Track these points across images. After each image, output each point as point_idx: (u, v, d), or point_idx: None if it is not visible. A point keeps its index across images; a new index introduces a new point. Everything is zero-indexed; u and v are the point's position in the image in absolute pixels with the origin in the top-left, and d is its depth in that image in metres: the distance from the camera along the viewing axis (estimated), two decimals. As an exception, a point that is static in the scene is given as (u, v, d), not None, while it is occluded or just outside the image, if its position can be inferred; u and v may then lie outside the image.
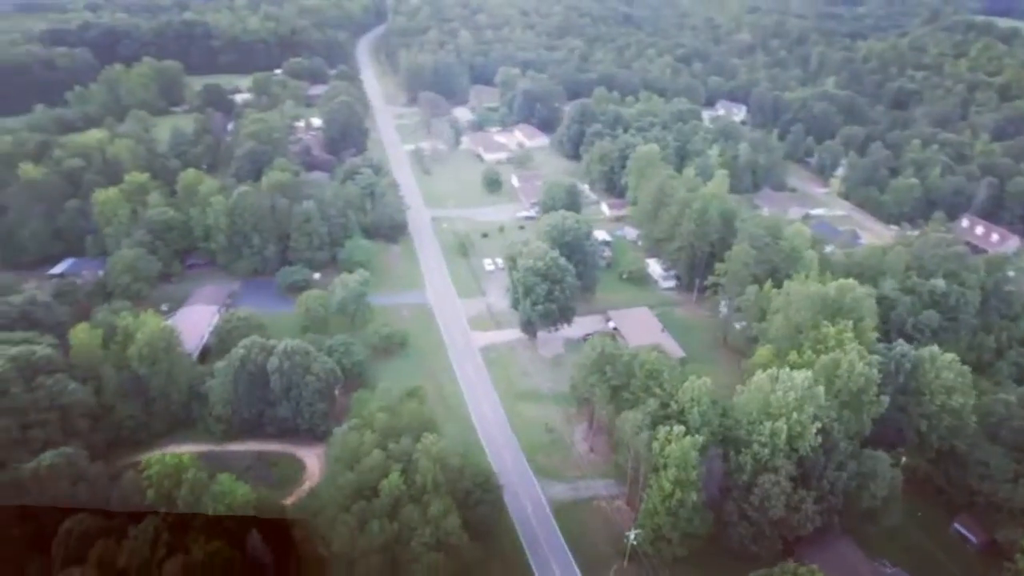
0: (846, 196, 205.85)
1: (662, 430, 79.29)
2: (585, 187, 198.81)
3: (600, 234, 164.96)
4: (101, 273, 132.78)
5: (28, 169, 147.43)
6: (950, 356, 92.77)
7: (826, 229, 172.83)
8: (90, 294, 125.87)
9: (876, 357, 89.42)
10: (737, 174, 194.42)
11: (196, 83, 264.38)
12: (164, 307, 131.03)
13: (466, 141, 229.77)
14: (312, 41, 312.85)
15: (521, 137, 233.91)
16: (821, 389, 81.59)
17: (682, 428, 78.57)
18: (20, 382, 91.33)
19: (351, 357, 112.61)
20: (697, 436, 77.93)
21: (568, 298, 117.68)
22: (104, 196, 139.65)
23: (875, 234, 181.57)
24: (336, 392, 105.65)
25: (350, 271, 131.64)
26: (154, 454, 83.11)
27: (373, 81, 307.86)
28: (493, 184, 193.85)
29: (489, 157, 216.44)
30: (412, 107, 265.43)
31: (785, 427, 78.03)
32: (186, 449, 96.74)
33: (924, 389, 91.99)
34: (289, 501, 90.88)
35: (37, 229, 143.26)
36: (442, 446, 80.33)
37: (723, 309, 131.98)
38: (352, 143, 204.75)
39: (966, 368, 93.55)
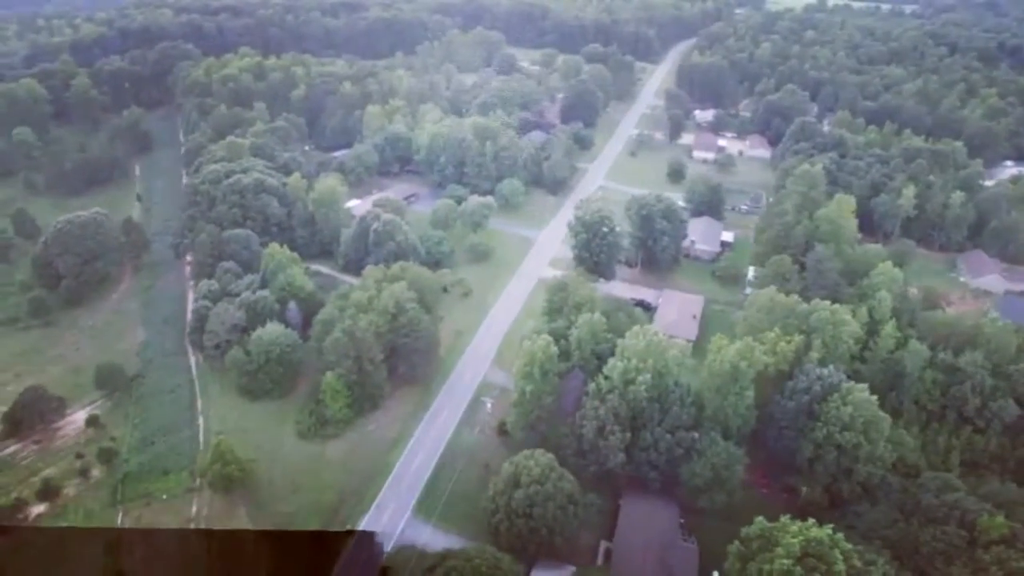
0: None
1: (538, 336, 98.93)
2: (768, 199, 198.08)
3: (727, 235, 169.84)
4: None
5: (345, 86, 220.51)
6: (866, 396, 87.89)
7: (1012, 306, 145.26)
8: (333, 168, 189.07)
9: (767, 359, 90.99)
10: (943, 226, 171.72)
11: (519, 54, 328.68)
12: (374, 191, 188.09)
13: (689, 138, 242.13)
14: (624, 33, 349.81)
15: (745, 145, 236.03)
16: (673, 351, 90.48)
17: (548, 338, 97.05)
18: (252, 194, 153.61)
19: (439, 247, 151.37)
20: (554, 348, 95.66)
21: (602, 252, 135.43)
22: (371, 110, 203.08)
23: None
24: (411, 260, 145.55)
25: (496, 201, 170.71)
26: (275, 246, 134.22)
27: (661, 74, 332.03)
28: (676, 175, 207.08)
29: (697, 155, 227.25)
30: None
31: (621, 366, 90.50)
32: (318, 267, 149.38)
33: (822, 416, 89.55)
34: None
35: (335, 126, 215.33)
36: (408, 295, 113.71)
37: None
38: (580, 117, 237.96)
39: (883, 415, 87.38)
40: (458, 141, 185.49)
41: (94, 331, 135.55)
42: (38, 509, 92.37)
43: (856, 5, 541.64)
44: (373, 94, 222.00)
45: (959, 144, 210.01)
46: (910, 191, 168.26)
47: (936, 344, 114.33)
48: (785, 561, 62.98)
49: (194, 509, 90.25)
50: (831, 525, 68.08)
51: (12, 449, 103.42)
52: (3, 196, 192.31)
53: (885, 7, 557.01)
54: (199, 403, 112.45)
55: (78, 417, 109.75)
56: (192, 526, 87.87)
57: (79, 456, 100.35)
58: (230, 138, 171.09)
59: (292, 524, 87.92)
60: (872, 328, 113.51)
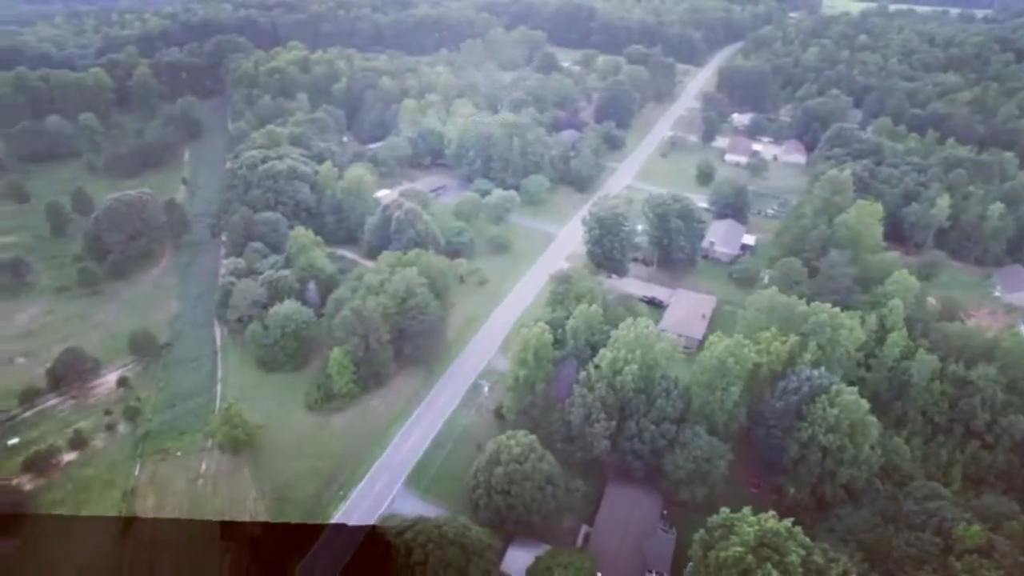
0: None
1: (534, 324, 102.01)
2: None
3: (749, 238, 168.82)
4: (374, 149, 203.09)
5: (385, 81, 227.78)
6: (854, 399, 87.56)
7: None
8: (368, 159, 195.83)
9: (753, 356, 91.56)
10: (979, 240, 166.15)
11: (563, 54, 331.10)
12: (404, 182, 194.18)
13: (724, 142, 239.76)
14: (669, 35, 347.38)
15: (781, 150, 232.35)
16: (663, 344, 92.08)
17: (544, 325, 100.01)
18: (284, 180, 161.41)
19: (459, 237, 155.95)
20: (548, 335, 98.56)
21: (615, 249, 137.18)
22: (407, 104, 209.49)
23: None
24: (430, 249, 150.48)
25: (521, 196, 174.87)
26: (300, 229, 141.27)
27: (704, 77, 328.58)
28: (704, 177, 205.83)
29: (729, 158, 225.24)
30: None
31: (610, 356, 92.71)
32: (343, 252, 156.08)
33: (808, 417, 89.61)
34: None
35: (373, 118, 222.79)
36: (419, 280, 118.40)
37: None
38: (615, 117, 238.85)
39: (871, 420, 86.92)
40: (486, 136, 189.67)
41: (134, 302, 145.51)
42: (69, 456, 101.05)
43: (920, 9, 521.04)
44: (411, 89, 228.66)
45: (1009, 155, 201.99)
46: (944, 201, 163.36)
47: (948, 356, 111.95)
48: (739, 549, 64.43)
49: (203, 467, 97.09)
50: (791, 519, 68.84)
51: (52, 402, 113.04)
52: (66, 175, 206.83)
53: (954, 11, 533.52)
54: (219, 371, 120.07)
55: (110, 378, 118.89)
56: (200, 482, 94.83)
57: (108, 412, 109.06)
58: (269, 127, 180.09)
59: (290, 486, 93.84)
60: (881, 336, 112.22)
